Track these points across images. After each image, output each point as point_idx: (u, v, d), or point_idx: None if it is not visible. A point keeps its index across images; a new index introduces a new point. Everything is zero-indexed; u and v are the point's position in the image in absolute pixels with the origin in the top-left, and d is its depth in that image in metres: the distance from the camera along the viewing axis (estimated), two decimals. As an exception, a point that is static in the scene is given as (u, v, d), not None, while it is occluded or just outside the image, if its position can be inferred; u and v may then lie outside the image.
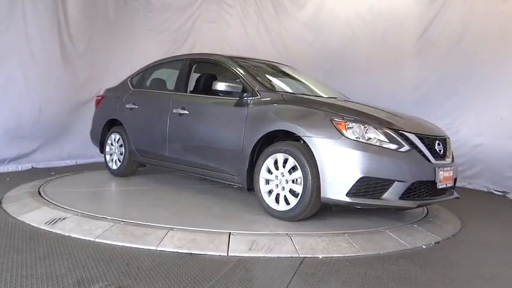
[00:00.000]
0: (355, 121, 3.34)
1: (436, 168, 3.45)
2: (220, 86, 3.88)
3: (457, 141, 6.84)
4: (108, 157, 5.36)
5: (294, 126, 3.47)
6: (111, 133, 5.35)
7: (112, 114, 5.36)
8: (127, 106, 5.14)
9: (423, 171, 3.40)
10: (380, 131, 3.32)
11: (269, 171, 3.56)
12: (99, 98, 5.75)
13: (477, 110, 6.60)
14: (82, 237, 2.97)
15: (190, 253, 2.80)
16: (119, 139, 5.22)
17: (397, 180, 3.26)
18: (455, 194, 3.87)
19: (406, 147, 3.34)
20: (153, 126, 4.81)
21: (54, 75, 6.32)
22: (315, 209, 3.40)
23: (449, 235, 3.63)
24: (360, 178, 3.19)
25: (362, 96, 7.20)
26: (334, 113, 3.42)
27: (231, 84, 3.91)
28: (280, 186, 3.49)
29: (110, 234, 2.99)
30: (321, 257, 2.88)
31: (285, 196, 3.45)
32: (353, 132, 3.28)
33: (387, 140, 3.30)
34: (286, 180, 3.45)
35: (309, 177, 3.29)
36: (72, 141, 6.66)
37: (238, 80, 4.07)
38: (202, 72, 4.76)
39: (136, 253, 2.76)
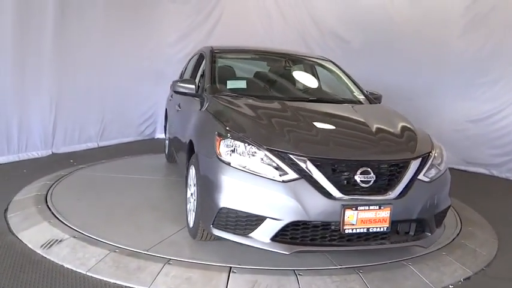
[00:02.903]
0: (234, 137, 2.78)
1: (342, 206, 2.65)
2: (175, 85, 3.65)
3: (504, 128, 6.22)
4: (166, 142, 5.60)
5: (194, 137, 3.29)
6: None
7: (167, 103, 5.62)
8: (169, 96, 5.36)
9: (314, 209, 2.60)
10: (261, 152, 2.69)
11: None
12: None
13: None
14: (74, 269, 2.79)
15: (184, 297, 2.57)
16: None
17: (270, 218, 2.61)
18: (422, 241, 2.90)
19: (289, 176, 2.62)
20: (171, 120, 5.03)
21: (68, 50, 6.01)
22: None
23: (482, 265, 3.21)
24: (220, 209, 2.68)
25: (398, 80, 6.64)
26: (224, 126, 2.92)
27: (182, 85, 3.62)
28: (192, 199, 3.25)
29: (102, 266, 2.80)
30: (330, 305, 2.58)
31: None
32: (229, 152, 2.73)
33: (267, 164, 2.66)
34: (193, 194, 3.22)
35: (197, 196, 3.02)
36: (92, 123, 6.50)
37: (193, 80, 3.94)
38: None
39: (126, 295, 2.56)
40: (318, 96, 4.04)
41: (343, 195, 2.65)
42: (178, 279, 2.67)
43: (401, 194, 2.76)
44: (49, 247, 3.03)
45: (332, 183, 2.65)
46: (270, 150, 2.71)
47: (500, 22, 6.08)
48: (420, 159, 2.93)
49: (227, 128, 2.90)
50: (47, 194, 4.02)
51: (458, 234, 3.68)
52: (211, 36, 7.52)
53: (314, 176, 2.65)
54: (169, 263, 2.81)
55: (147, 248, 2.97)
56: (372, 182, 2.71)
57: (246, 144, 2.74)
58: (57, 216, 3.49)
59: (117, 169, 5.16)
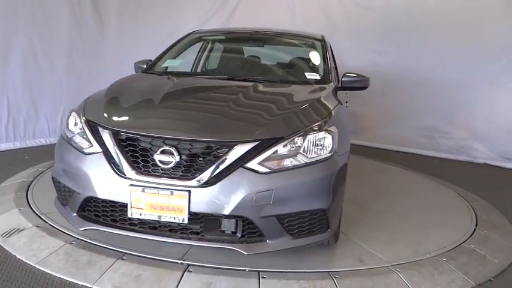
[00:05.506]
0: (75, 110, 2.84)
1: (130, 187, 2.34)
2: (135, 65, 3.81)
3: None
4: None
5: None
6: None
7: None
8: None
9: (104, 186, 2.42)
10: (80, 123, 2.68)
11: None
12: None
13: None
14: (24, 260, 2.61)
15: (127, 298, 2.32)
16: None
17: (75, 190, 2.55)
18: (242, 245, 2.34)
19: (93, 148, 2.51)
20: None
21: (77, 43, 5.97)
22: None
23: (490, 275, 2.74)
24: (52, 178, 2.83)
25: (429, 65, 6.08)
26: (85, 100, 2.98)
27: (138, 64, 3.77)
28: None
29: (53, 259, 2.60)
30: (291, 315, 2.25)
31: None
32: (68, 124, 2.79)
33: (83, 136, 2.61)
34: None
35: None
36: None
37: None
38: None
39: (67, 291, 2.35)
40: (248, 75, 3.57)
41: (135, 175, 2.36)
42: (127, 277, 2.43)
43: (209, 182, 2.30)
44: (9, 236, 2.88)
45: (127, 160, 2.39)
46: (87, 122, 2.64)
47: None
48: (255, 143, 2.35)
49: (85, 101, 2.94)
50: (32, 180, 3.92)
51: (468, 238, 3.21)
52: (229, 23, 7.25)
53: (110, 150, 2.45)
54: (122, 258, 2.58)
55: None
56: (173, 163, 2.33)
57: (76, 116, 2.75)
58: (30, 203, 3.36)
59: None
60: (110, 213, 2.50)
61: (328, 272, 2.55)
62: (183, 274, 2.45)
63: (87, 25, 6.02)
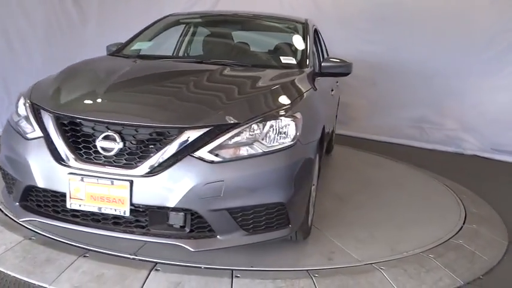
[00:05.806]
0: (23, 93, 2.59)
1: (69, 175, 2.14)
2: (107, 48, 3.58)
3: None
4: None
5: None
6: None
7: None
8: None
9: (43, 174, 2.22)
10: (25, 107, 2.46)
11: None
12: None
13: None
14: (-22, 258, 2.42)
15: (85, 301, 2.13)
16: None
17: (17, 178, 2.35)
18: (190, 241, 2.14)
19: (35, 133, 2.31)
20: None
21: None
22: None
23: (479, 273, 2.59)
24: None
25: (418, 55, 5.91)
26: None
27: (110, 47, 3.54)
28: None
29: (9, 256, 2.39)
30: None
31: None
32: (17, 108, 2.56)
33: (26, 120, 2.40)
34: None
35: None
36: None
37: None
38: None
39: (21, 292, 2.15)
40: (219, 58, 3.30)
41: (75, 162, 2.16)
42: (88, 276, 2.23)
43: (153, 172, 2.10)
44: (-35, 231, 2.67)
45: (68, 146, 2.20)
46: (32, 105, 2.44)
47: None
48: (206, 129, 2.14)
49: (34, 84, 2.71)
50: None
51: (457, 232, 3.06)
52: (216, 7, 7.01)
53: (52, 135, 2.26)
54: (85, 256, 2.38)
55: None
56: (115, 150, 2.14)
57: (22, 100, 2.54)
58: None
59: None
60: (51, 203, 2.30)
61: (307, 270, 2.37)
62: (149, 273, 2.25)
63: (67, 13, 5.81)
